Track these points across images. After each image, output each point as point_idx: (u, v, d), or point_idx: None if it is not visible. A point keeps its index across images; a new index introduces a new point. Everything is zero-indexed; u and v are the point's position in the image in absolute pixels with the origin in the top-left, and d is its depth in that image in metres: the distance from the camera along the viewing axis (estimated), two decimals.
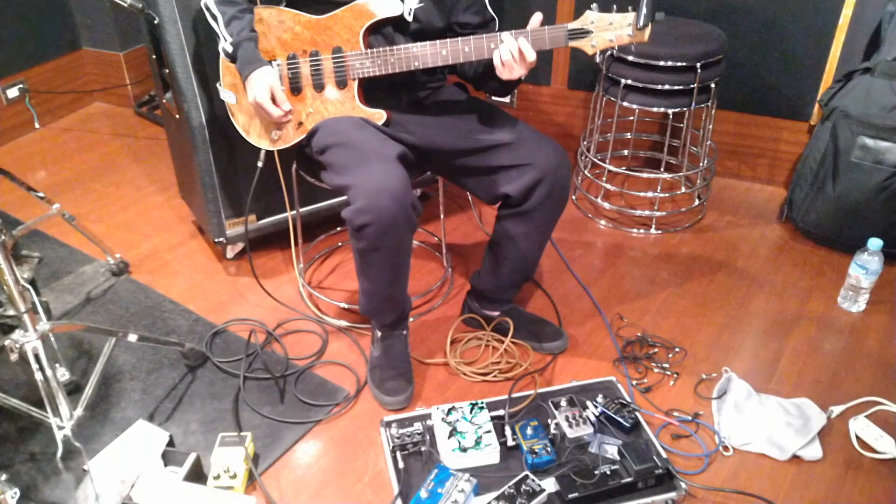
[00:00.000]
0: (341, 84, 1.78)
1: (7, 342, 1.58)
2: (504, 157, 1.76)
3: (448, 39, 1.68)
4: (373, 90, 1.81)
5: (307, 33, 1.76)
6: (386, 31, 1.78)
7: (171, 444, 1.68)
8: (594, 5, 1.59)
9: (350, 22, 1.73)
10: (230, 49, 1.75)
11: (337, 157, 1.71)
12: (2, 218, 1.90)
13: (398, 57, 1.72)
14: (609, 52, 2.43)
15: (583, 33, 1.61)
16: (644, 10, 1.52)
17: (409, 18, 1.75)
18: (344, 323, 2.13)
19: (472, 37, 1.67)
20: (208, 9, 1.77)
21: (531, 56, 1.61)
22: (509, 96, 3.10)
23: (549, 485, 1.56)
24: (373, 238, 1.64)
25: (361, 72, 1.75)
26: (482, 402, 1.74)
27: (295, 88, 1.80)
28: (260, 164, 1.94)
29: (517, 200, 1.78)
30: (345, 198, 1.64)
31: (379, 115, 1.79)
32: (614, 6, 1.58)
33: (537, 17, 1.62)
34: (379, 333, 1.91)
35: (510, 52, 1.62)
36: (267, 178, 2.12)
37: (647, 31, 1.57)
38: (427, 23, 1.78)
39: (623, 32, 1.59)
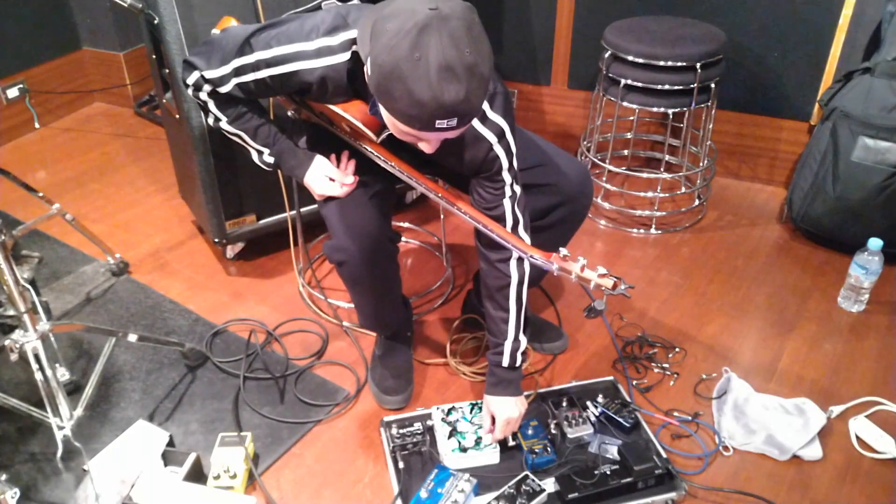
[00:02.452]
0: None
1: (7, 342, 1.58)
2: (525, 177, 1.63)
3: (433, 188, 1.56)
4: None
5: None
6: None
7: (171, 444, 1.68)
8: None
9: (335, 116, 1.59)
10: (272, 160, 1.65)
11: None
12: (2, 218, 1.90)
13: (378, 157, 1.59)
14: (610, 54, 2.44)
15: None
16: (594, 309, 1.48)
17: (377, 141, 1.55)
18: (344, 323, 2.12)
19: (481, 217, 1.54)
20: (223, 129, 1.63)
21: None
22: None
23: (549, 485, 1.57)
24: (350, 274, 1.66)
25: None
26: (482, 402, 1.74)
27: None
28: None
29: (533, 218, 1.69)
30: None
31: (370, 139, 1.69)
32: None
33: None
34: (382, 336, 1.93)
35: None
36: (267, 178, 2.12)
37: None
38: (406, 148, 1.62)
39: (589, 280, 1.47)
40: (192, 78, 1.53)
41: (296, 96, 1.70)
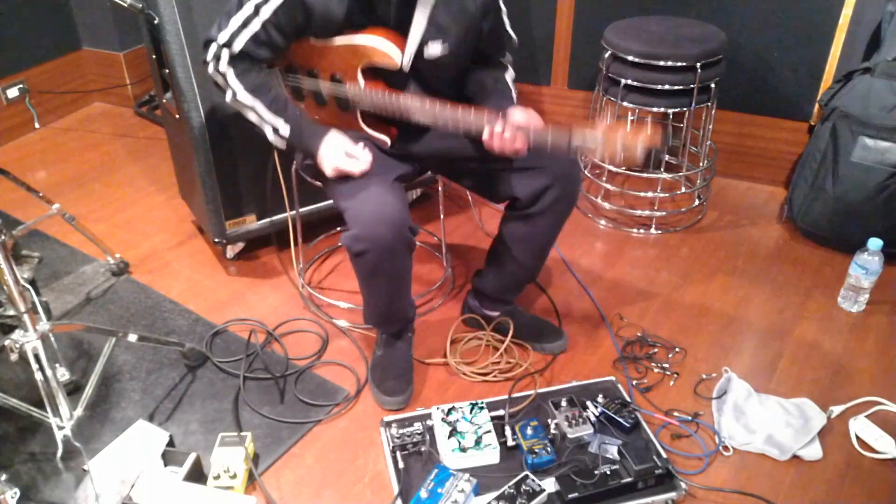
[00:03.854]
0: (342, 106, 1.75)
1: (7, 342, 1.58)
2: (515, 161, 1.72)
3: (447, 107, 1.60)
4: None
5: (304, 53, 1.72)
6: (386, 72, 1.69)
7: (171, 444, 1.68)
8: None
9: (347, 57, 1.67)
10: (288, 133, 1.66)
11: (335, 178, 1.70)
12: (2, 218, 1.91)
13: (396, 105, 1.64)
14: (610, 54, 2.44)
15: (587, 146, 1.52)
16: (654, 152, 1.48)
17: (407, 69, 1.66)
18: (344, 323, 2.13)
19: (474, 109, 1.59)
20: (240, 102, 1.66)
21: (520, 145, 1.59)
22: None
23: (549, 485, 1.56)
24: (371, 264, 1.65)
25: (360, 105, 1.71)
26: (482, 402, 1.74)
27: (297, 96, 1.80)
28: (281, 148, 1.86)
29: (525, 203, 1.77)
30: None
31: (382, 141, 1.77)
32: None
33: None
34: (384, 335, 1.93)
35: (504, 135, 1.58)
36: (267, 177, 2.12)
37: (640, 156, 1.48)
38: (426, 79, 1.72)
39: (621, 151, 1.47)
40: (211, 52, 1.62)
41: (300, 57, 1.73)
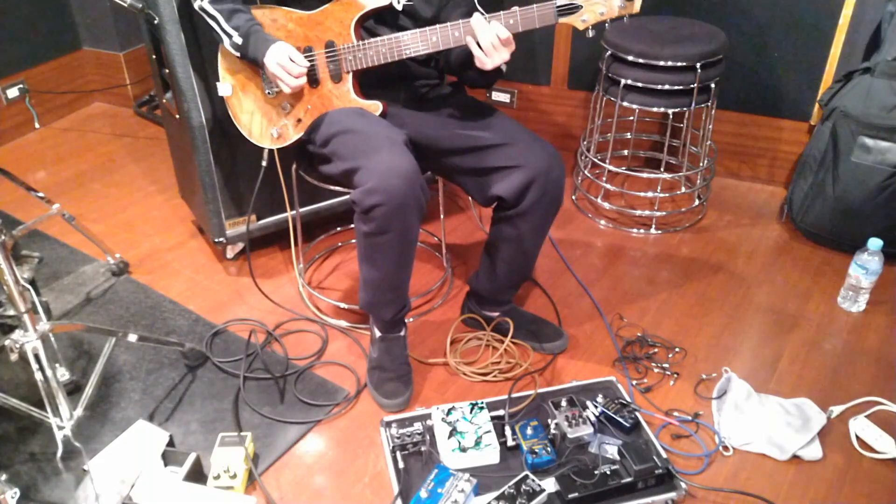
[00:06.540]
0: (336, 78, 1.79)
1: (7, 342, 1.58)
2: (496, 158, 1.75)
3: (437, 25, 1.68)
4: (369, 85, 1.82)
5: (300, 30, 1.78)
6: (377, 26, 1.79)
7: (171, 444, 1.68)
8: None
9: (340, 15, 1.75)
10: (240, 41, 1.74)
11: (343, 144, 1.71)
12: (2, 218, 1.91)
13: (389, 46, 1.72)
14: (610, 54, 2.44)
15: (572, 8, 1.60)
16: None
17: (399, 7, 1.77)
18: (344, 323, 2.13)
19: (461, 21, 1.65)
20: (205, 11, 1.77)
21: (507, 35, 1.62)
22: (509, 96, 3.10)
23: (549, 485, 1.56)
24: (382, 220, 1.62)
25: (354, 64, 1.76)
26: (482, 402, 1.74)
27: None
28: (264, 163, 1.95)
29: (510, 202, 1.77)
30: (346, 197, 1.65)
31: (375, 107, 1.80)
32: None
33: None
34: (378, 334, 1.90)
35: (490, 38, 1.61)
36: (267, 177, 2.12)
37: (638, 0, 1.57)
38: (417, 13, 1.79)
39: (614, 4, 1.59)
40: None
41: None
